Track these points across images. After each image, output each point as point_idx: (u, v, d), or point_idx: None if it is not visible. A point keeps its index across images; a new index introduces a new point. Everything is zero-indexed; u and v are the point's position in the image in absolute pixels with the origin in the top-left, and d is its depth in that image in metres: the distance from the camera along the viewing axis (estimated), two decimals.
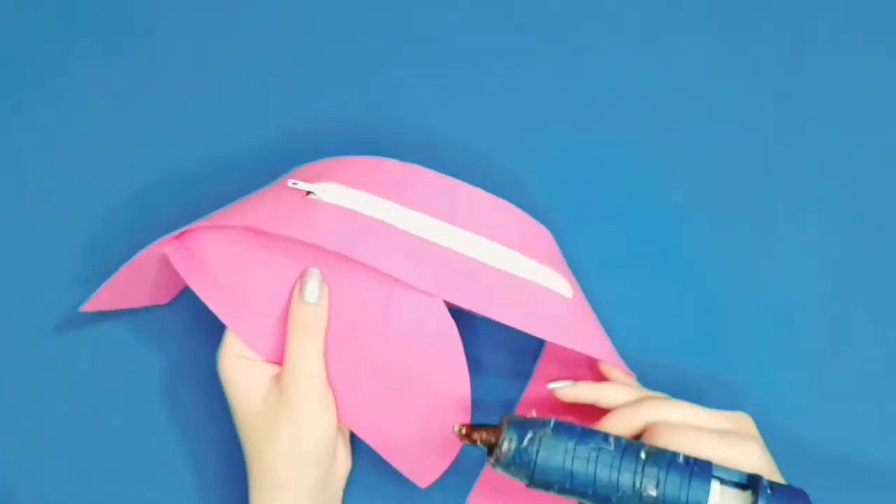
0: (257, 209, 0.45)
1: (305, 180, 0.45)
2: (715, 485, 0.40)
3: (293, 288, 0.44)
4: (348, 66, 0.58)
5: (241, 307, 0.45)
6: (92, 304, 0.48)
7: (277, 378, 0.45)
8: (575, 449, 0.39)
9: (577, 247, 0.55)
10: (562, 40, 0.58)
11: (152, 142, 0.57)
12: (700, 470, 0.40)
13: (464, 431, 0.42)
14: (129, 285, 0.49)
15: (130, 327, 0.53)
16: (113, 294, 0.48)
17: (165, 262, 0.47)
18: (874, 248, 0.56)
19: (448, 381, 0.45)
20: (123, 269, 0.47)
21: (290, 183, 0.45)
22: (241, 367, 0.45)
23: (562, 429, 0.40)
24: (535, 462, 0.39)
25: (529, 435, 0.40)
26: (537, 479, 0.40)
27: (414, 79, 0.58)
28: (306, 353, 0.44)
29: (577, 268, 0.54)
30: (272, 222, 0.43)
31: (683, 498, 0.39)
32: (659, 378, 0.53)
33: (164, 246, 0.46)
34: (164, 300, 0.53)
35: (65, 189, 0.56)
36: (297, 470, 0.44)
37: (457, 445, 0.46)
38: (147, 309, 0.53)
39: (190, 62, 0.58)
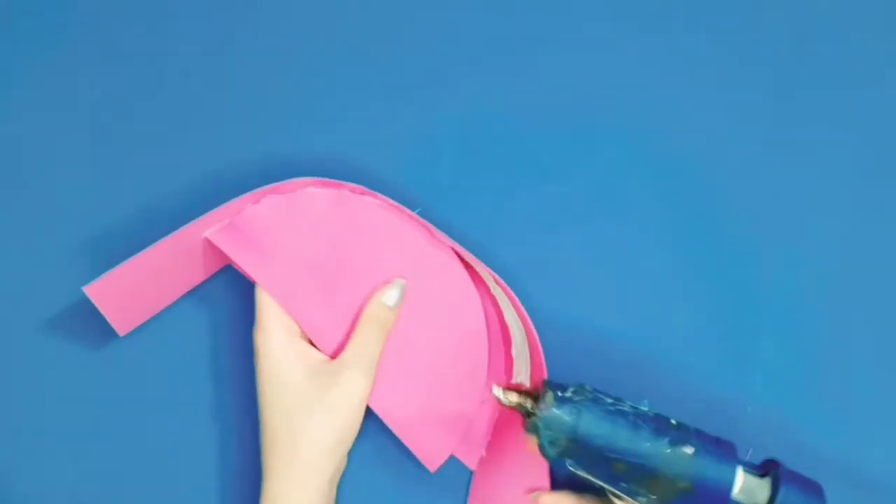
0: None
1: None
2: (740, 468, 0.40)
3: (347, 272, 0.48)
4: (355, 72, 0.58)
5: (293, 285, 0.47)
6: (97, 287, 0.46)
7: (322, 363, 0.47)
8: (615, 406, 0.39)
9: (577, 247, 0.55)
10: (559, 41, 0.58)
11: (155, 146, 0.56)
12: (729, 445, 0.40)
13: (503, 391, 0.41)
14: (129, 286, 0.48)
15: (108, 334, 0.53)
16: (114, 287, 0.47)
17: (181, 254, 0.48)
18: (874, 249, 0.56)
19: (467, 355, 0.49)
20: (151, 250, 0.47)
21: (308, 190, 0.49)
22: (289, 343, 0.46)
23: (599, 390, 0.40)
24: (580, 416, 0.39)
25: (572, 390, 0.40)
26: (582, 433, 0.39)
27: (413, 81, 0.58)
28: (371, 349, 0.47)
29: (577, 267, 0.54)
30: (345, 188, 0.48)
31: (715, 466, 0.39)
32: (659, 380, 0.53)
33: (206, 229, 0.47)
34: (122, 331, 0.51)
35: (66, 192, 0.56)
36: (325, 459, 0.45)
37: (462, 425, 0.47)
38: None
39: (191, 66, 0.58)
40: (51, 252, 0.54)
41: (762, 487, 0.40)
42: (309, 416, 0.45)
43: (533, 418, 0.40)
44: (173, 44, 0.57)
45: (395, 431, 0.48)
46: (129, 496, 0.52)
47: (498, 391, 0.42)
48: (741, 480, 0.40)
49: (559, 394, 0.40)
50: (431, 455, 0.49)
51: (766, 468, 0.41)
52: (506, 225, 0.55)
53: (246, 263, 0.46)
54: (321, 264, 0.48)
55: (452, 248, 0.49)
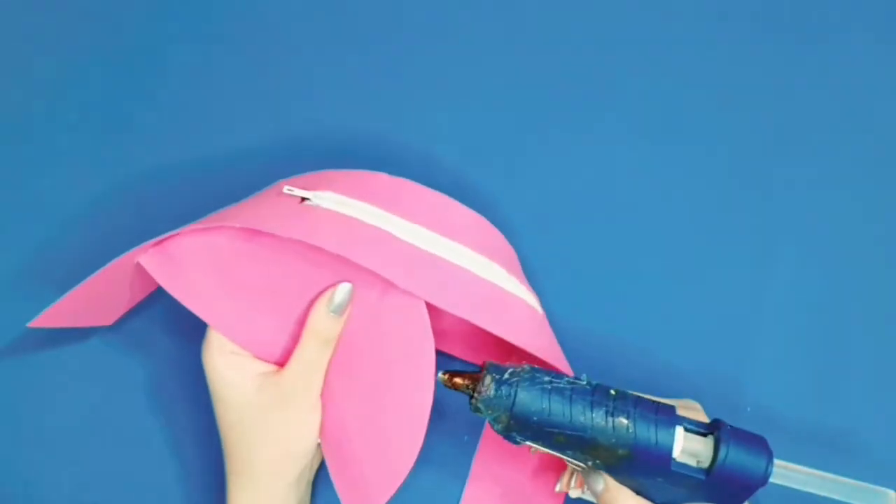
0: (252, 212, 0.45)
1: (299, 188, 0.46)
2: (680, 429, 0.42)
3: (284, 289, 0.45)
4: (348, 72, 0.58)
5: (226, 308, 0.45)
6: (43, 321, 0.47)
7: (267, 376, 0.46)
8: (551, 384, 0.42)
9: (577, 248, 0.55)
10: (556, 43, 0.59)
11: (148, 144, 0.57)
12: (668, 410, 0.42)
13: (447, 377, 0.44)
14: (83, 302, 0.48)
15: (105, 335, 0.54)
16: (63, 311, 0.47)
17: (119, 278, 0.47)
18: (872, 250, 0.56)
19: (413, 396, 0.45)
20: (87, 282, 0.46)
21: (284, 189, 0.46)
22: (230, 362, 0.46)
23: (537, 370, 0.43)
24: (515, 396, 0.42)
25: (509, 372, 0.42)
26: (517, 414, 0.42)
27: (411, 83, 0.58)
28: (317, 360, 0.46)
29: (577, 269, 0.54)
30: (269, 223, 0.44)
31: (653, 431, 0.41)
32: (659, 381, 0.53)
33: (139, 255, 0.45)
34: (108, 321, 0.52)
35: (55, 191, 0.56)
36: (282, 466, 0.46)
37: (399, 480, 0.46)
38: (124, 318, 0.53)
39: (189, 66, 0.58)
40: (39, 253, 0.55)
41: (706, 446, 0.41)
42: (259, 429, 0.45)
43: (474, 400, 0.43)
44: (174, 48, 0.58)
45: (331, 468, 0.47)
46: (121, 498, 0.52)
47: (442, 377, 0.44)
48: (682, 441, 0.41)
49: (496, 376, 0.42)
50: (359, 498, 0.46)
51: (710, 428, 0.42)
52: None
53: (173, 289, 0.45)
54: (253, 288, 0.46)
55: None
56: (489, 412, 0.43)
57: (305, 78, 0.58)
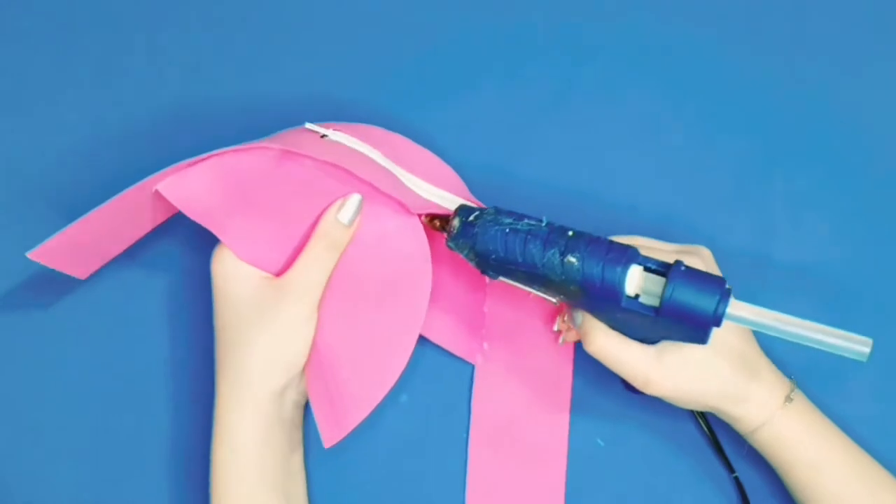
0: (277, 140, 0.48)
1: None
2: (637, 268, 0.43)
3: (295, 213, 0.47)
4: (348, 61, 0.58)
5: (240, 227, 0.47)
6: (43, 251, 0.48)
7: (269, 278, 0.47)
8: (511, 225, 0.45)
9: None
10: (556, 43, 0.58)
11: (148, 126, 0.57)
12: (622, 250, 0.44)
13: (427, 219, 0.48)
14: (80, 241, 0.50)
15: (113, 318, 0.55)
16: (62, 246, 0.48)
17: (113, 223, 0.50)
18: (871, 251, 0.56)
19: (409, 307, 0.48)
20: (95, 211, 0.47)
21: (306, 125, 0.50)
22: (236, 264, 0.47)
23: (502, 211, 0.46)
24: (476, 237, 0.46)
25: (475, 213, 0.46)
26: (479, 251, 0.46)
27: (410, 75, 0.58)
28: (320, 264, 0.46)
29: None
30: (292, 146, 0.47)
31: (600, 269, 0.43)
32: None
33: (154, 184, 0.47)
34: (84, 274, 0.53)
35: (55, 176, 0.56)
36: (268, 371, 0.46)
37: (376, 402, 0.48)
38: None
39: (189, 54, 0.58)
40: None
41: (658, 284, 0.43)
42: (254, 328, 0.46)
43: (447, 239, 0.47)
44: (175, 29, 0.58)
45: (310, 387, 0.48)
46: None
47: (425, 219, 0.48)
48: (637, 279, 0.43)
49: (463, 218, 0.46)
50: (336, 423, 0.48)
51: (669, 268, 0.44)
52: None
53: (189, 209, 0.47)
54: (269, 211, 0.48)
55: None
56: (459, 249, 0.47)
57: (300, 71, 0.58)
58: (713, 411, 0.48)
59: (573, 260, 0.43)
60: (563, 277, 0.44)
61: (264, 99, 0.57)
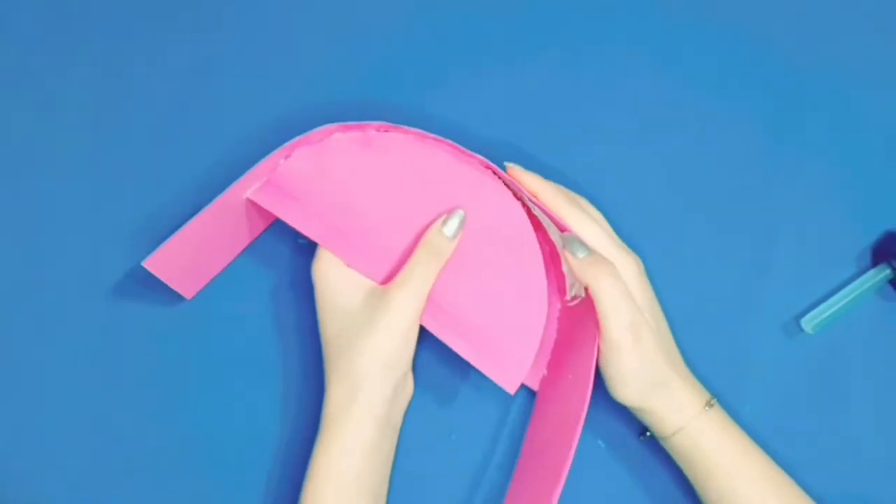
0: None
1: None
2: None
3: (391, 210, 0.50)
4: (350, 60, 0.59)
5: (336, 229, 0.50)
6: (155, 260, 0.49)
7: (374, 287, 0.49)
8: None
9: None
10: (559, 40, 0.59)
11: (153, 136, 0.57)
12: None
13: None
14: (183, 255, 0.51)
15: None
16: (170, 257, 0.49)
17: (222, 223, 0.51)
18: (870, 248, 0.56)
19: (525, 273, 0.50)
20: (202, 214, 0.49)
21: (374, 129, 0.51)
22: (341, 272, 0.49)
23: None
24: None
25: None
26: None
27: (412, 69, 0.58)
28: (426, 274, 0.48)
29: None
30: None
31: None
32: None
33: (246, 191, 0.49)
34: (189, 295, 0.54)
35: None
36: (380, 372, 0.48)
37: (537, 336, 0.49)
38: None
39: (189, 53, 0.58)
40: (54, 245, 0.55)
41: None
42: (363, 335, 0.47)
43: None
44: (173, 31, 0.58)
45: (467, 356, 0.49)
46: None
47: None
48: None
49: None
50: (508, 374, 0.49)
51: None
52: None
53: (288, 217, 0.50)
54: (361, 205, 0.50)
55: (485, 165, 0.50)
56: None
57: (303, 68, 0.58)
58: (639, 409, 0.49)
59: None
60: None
61: (265, 99, 0.57)
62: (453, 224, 0.49)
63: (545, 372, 0.53)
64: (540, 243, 0.50)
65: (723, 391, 0.53)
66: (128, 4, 0.58)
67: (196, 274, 0.54)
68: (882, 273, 0.54)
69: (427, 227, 0.49)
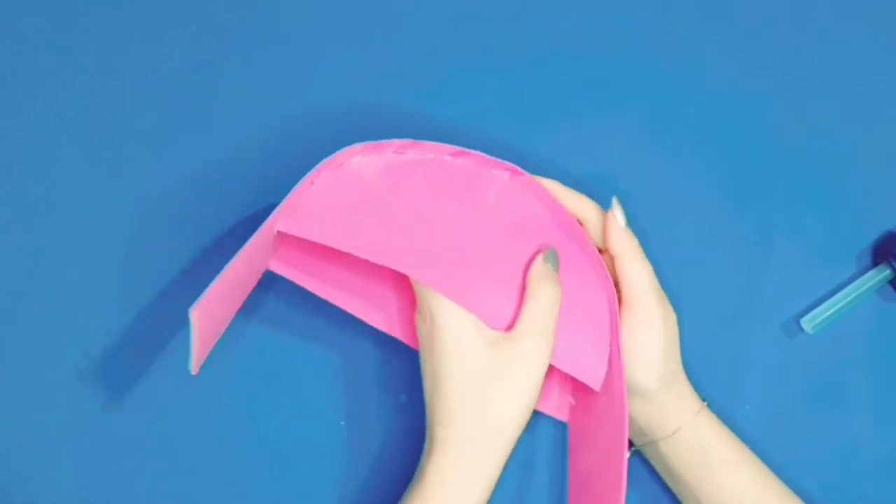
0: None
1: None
2: None
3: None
4: (354, 63, 0.59)
5: (403, 250, 0.46)
6: (201, 308, 0.42)
7: (499, 335, 0.45)
8: None
9: None
10: (557, 43, 0.59)
11: (153, 142, 0.57)
12: None
13: None
14: (221, 301, 0.45)
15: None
16: (211, 305, 0.44)
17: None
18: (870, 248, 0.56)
19: (582, 265, 0.49)
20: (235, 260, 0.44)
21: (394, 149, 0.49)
22: (464, 316, 0.44)
23: None
24: None
25: None
26: None
27: (415, 71, 0.58)
28: (549, 315, 0.45)
29: None
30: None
31: None
32: None
33: (276, 227, 0.46)
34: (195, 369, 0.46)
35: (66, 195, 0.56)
36: (511, 428, 0.44)
37: (605, 326, 0.48)
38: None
39: (190, 57, 0.58)
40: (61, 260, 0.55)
41: None
42: (493, 388, 0.43)
43: None
44: (175, 38, 0.58)
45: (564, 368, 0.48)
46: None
47: None
48: None
49: None
50: (590, 370, 0.48)
51: None
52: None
53: (330, 240, 0.45)
54: (396, 226, 0.47)
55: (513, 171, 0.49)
56: None
57: (307, 74, 0.58)
58: (649, 402, 0.48)
59: None
60: None
61: (265, 99, 0.57)
62: (551, 257, 0.47)
63: (572, 400, 0.52)
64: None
65: (722, 391, 0.53)
66: (128, 4, 0.58)
67: (213, 332, 0.47)
68: (882, 273, 0.54)
69: (489, 246, 0.47)
